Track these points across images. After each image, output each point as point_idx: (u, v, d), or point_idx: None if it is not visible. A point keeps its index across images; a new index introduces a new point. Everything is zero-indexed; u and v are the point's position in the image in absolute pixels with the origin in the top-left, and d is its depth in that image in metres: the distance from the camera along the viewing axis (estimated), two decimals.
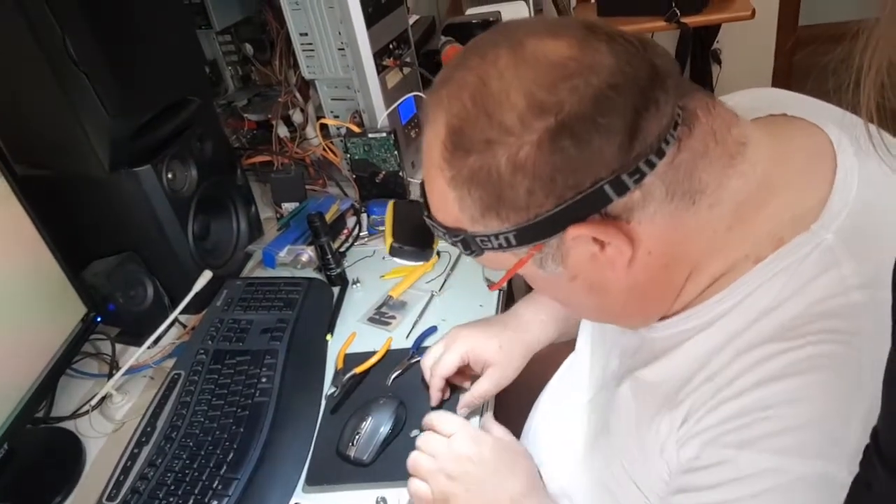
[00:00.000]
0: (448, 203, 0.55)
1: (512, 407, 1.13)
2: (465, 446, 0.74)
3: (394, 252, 0.73)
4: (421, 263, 0.75)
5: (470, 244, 0.56)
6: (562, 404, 0.94)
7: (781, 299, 0.52)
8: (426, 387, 0.89)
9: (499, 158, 0.50)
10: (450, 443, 0.75)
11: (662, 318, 0.61)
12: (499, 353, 0.87)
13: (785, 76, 2.85)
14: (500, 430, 0.82)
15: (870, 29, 0.33)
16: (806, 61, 2.62)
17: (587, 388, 0.80)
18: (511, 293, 1.55)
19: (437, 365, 0.87)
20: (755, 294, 0.53)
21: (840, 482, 0.45)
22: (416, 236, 0.71)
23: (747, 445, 0.49)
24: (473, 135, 0.51)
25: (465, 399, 0.87)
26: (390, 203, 0.75)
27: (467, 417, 0.85)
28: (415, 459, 0.76)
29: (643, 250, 0.53)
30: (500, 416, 1.00)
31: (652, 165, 0.49)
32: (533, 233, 0.52)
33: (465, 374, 0.90)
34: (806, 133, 0.58)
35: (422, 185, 0.60)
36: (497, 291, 1.06)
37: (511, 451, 0.77)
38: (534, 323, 0.91)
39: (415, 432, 0.84)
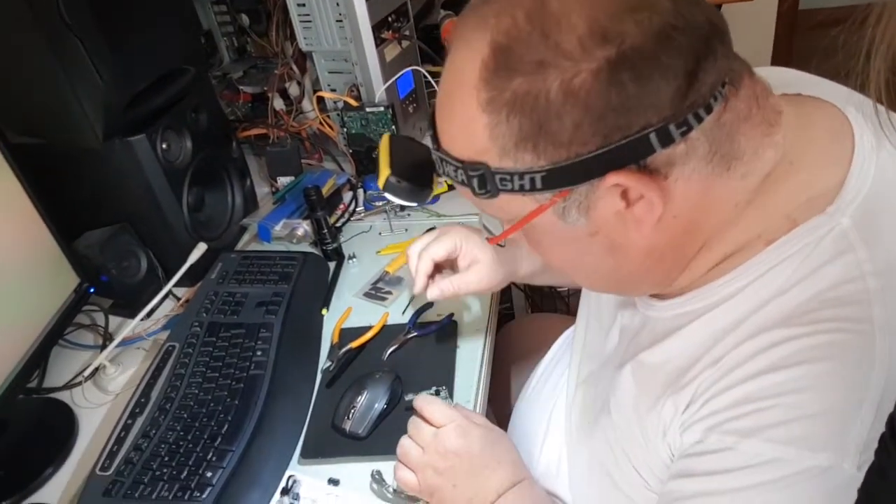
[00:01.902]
0: (475, 131, 0.50)
1: (504, 384, 1.14)
2: (452, 440, 0.72)
3: (388, 188, 0.66)
4: (415, 205, 0.69)
5: (486, 182, 0.51)
6: (557, 381, 0.94)
7: (792, 283, 0.50)
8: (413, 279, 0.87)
9: (550, 83, 0.46)
10: (438, 435, 0.73)
11: (666, 297, 0.60)
12: (488, 254, 0.86)
13: (785, 60, 2.83)
14: (482, 419, 0.79)
15: (883, 1, 0.32)
16: (806, 45, 2.60)
17: (584, 364, 0.79)
18: None
19: (426, 249, 0.86)
20: (765, 277, 0.52)
21: (845, 476, 0.44)
22: (414, 173, 0.67)
23: (752, 433, 0.48)
24: (524, 54, 0.47)
25: (443, 284, 0.85)
26: (385, 135, 0.70)
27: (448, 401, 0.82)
28: (404, 448, 0.75)
29: (670, 212, 0.51)
30: (494, 391, 1.00)
31: (699, 119, 0.47)
32: (566, 175, 0.48)
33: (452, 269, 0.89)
34: (825, 113, 0.56)
35: (431, 116, 0.56)
36: None
37: (497, 443, 0.76)
38: (520, 248, 0.89)
39: (409, 396, 0.83)
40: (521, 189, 0.50)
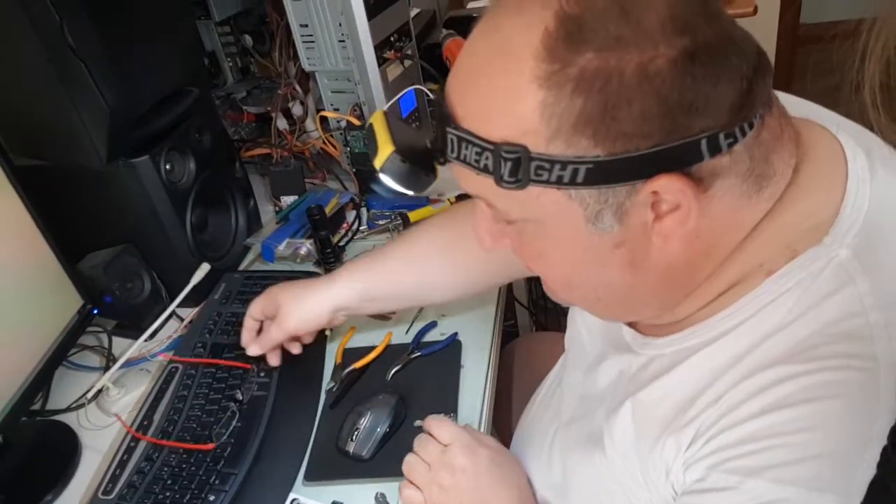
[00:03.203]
0: (521, 108, 0.45)
1: (509, 403, 1.13)
2: (460, 458, 0.71)
3: (387, 169, 0.57)
4: (410, 193, 0.60)
5: (519, 169, 0.46)
6: (559, 404, 0.93)
7: (793, 317, 0.48)
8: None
9: (627, 62, 0.42)
10: (445, 452, 0.72)
11: (664, 334, 0.58)
12: (291, 301, 0.87)
13: (786, 74, 2.84)
14: (491, 441, 0.79)
15: (878, 4, 0.32)
16: (807, 59, 2.61)
17: (573, 400, 0.77)
18: (511, 287, 1.55)
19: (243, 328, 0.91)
20: (765, 310, 0.50)
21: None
22: (416, 154, 0.57)
23: (756, 473, 0.47)
24: (600, 27, 0.43)
25: (260, 339, 0.88)
26: (379, 111, 0.60)
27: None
28: (410, 465, 0.74)
29: (695, 230, 0.48)
30: (498, 410, 1.00)
31: (744, 133, 0.45)
32: (615, 171, 0.45)
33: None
34: (822, 137, 0.54)
35: (444, 94, 0.51)
36: (497, 288, 1.05)
37: (504, 465, 0.75)
38: (337, 278, 0.89)
39: (418, 423, 0.83)
40: (559, 181, 0.46)
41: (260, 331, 0.91)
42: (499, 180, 0.48)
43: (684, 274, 0.53)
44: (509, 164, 0.46)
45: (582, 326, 0.76)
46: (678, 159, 0.45)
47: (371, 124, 0.59)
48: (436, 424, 0.75)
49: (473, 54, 0.49)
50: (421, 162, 0.58)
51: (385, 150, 0.57)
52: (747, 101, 0.45)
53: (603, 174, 0.45)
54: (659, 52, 0.43)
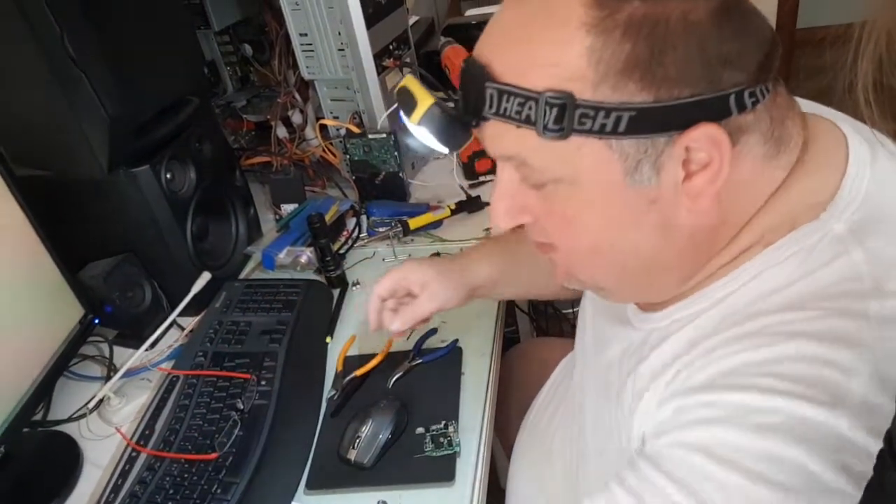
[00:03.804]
0: (568, 55, 0.46)
1: (510, 409, 1.13)
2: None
3: (427, 120, 0.56)
4: (445, 151, 0.59)
5: (564, 117, 0.47)
6: (556, 408, 0.93)
7: (788, 283, 0.50)
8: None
9: (671, 10, 0.45)
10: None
11: (661, 308, 0.59)
12: (431, 272, 0.86)
13: (783, 78, 2.85)
14: None
15: (870, 1, 0.33)
16: (804, 63, 2.62)
17: (580, 390, 0.78)
18: None
19: (375, 286, 0.87)
20: (761, 277, 0.52)
21: (840, 434, 0.43)
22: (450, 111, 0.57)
23: (740, 389, 0.47)
24: None
25: (401, 314, 0.86)
26: (409, 74, 0.60)
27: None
28: None
29: (722, 192, 0.50)
30: (500, 416, 1.00)
31: (764, 94, 0.49)
32: (658, 119, 0.46)
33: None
34: (827, 125, 0.57)
35: (475, 56, 0.52)
36: None
37: None
38: (475, 258, 0.89)
39: (419, 430, 0.84)
40: (601, 130, 0.47)
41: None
42: (542, 130, 0.48)
43: (706, 241, 0.54)
44: (554, 111, 0.47)
45: (588, 318, 0.77)
46: (713, 111, 0.47)
47: (405, 85, 0.59)
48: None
49: (513, 9, 0.51)
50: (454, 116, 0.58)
51: (425, 101, 0.57)
52: (769, 62, 0.49)
53: (644, 123, 0.47)
54: (699, 4, 0.46)
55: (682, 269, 0.56)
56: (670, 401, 0.51)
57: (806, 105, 0.60)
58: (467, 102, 0.52)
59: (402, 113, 0.60)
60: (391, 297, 0.88)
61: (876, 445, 0.42)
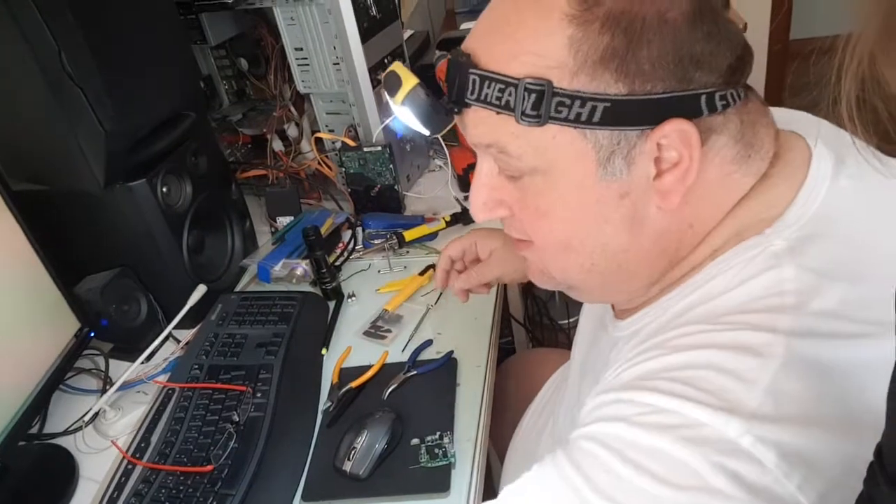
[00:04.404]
0: (549, 44, 0.49)
1: (506, 420, 1.13)
2: None
3: (411, 100, 0.59)
4: (427, 133, 0.61)
5: (541, 104, 0.49)
6: (546, 420, 0.94)
7: (717, 294, 0.52)
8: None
9: (647, 9, 0.48)
10: None
11: (626, 317, 0.61)
12: (504, 247, 0.90)
13: (777, 89, 2.87)
14: None
15: (853, 19, 0.33)
16: (797, 74, 2.64)
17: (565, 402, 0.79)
18: (506, 302, 1.55)
19: (445, 247, 0.93)
20: (702, 289, 0.54)
21: (730, 440, 0.44)
22: (436, 94, 0.59)
23: (648, 391, 0.49)
24: None
25: (465, 276, 0.90)
26: (397, 61, 0.63)
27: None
28: None
29: (690, 193, 0.52)
30: (496, 427, 1.00)
31: (736, 99, 0.51)
32: (632, 112, 0.49)
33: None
34: (797, 142, 0.58)
35: (462, 47, 0.54)
36: (493, 304, 1.06)
37: None
38: None
39: (415, 441, 0.84)
40: (577, 120, 0.49)
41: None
42: (520, 116, 0.51)
43: (672, 244, 0.56)
44: (532, 97, 0.50)
45: (586, 329, 0.78)
46: (683, 109, 0.49)
47: (392, 69, 0.61)
48: None
49: (500, 4, 0.53)
50: (437, 102, 0.60)
51: (409, 82, 0.59)
52: (738, 69, 0.51)
53: (618, 114, 0.49)
54: (674, 5, 0.48)
55: (648, 272, 0.58)
56: (594, 397, 0.54)
57: (786, 114, 0.62)
58: (451, 89, 0.55)
59: (387, 95, 0.62)
60: (459, 259, 0.94)
61: (768, 457, 0.44)
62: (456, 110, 0.55)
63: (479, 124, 0.55)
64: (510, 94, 0.50)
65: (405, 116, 0.61)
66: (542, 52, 0.49)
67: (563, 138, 0.51)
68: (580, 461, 0.50)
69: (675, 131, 0.49)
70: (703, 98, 0.49)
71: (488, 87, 0.51)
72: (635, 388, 0.50)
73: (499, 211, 0.60)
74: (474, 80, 0.52)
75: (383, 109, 1.29)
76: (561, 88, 0.49)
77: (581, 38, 0.48)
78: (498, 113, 0.52)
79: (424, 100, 0.58)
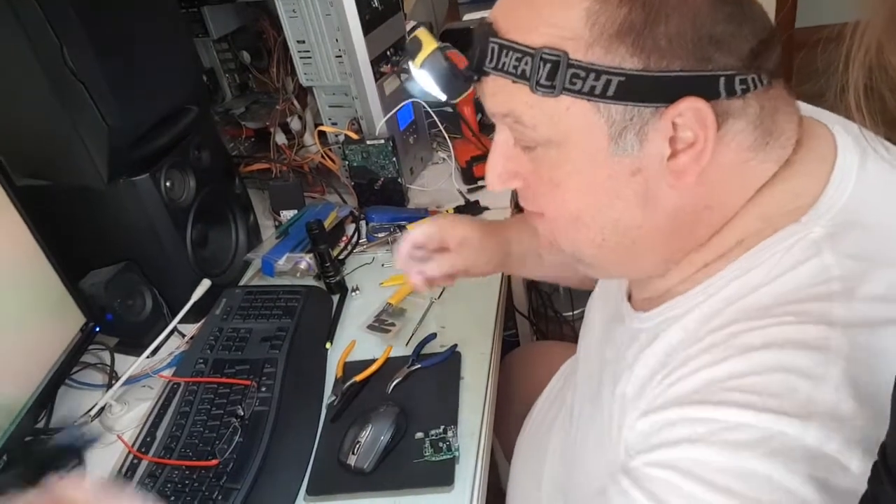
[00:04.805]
0: (568, 15, 0.49)
1: (511, 413, 1.13)
2: None
3: (429, 65, 0.60)
4: (443, 98, 0.63)
5: (556, 74, 0.50)
6: (556, 413, 0.93)
7: (760, 285, 0.51)
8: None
9: None
10: None
11: (651, 308, 0.60)
12: (476, 231, 0.86)
13: (783, 78, 2.85)
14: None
15: (860, 8, 0.33)
16: (803, 63, 2.63)
17: (580, 402, 0.78)
18: (510, 295, 1.55)
19: (408, 233, 0.87)
20: (738, 281, 0.52)
21: (811, 446, 0.43)
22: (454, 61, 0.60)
23: (717, 404, 0.47)
24: None
25: (426, 267, 0.84)
26: (422, 27, 0.64)
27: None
28: None
29: (705, 175, 0.52)
30: (500, 421, 1.00)
31: (756, 85, 0.50)
32: (646, 88, 0.49)
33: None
34: (822, 130, 0.57)
35: (489, 16, 0.54)
36: (496, 297, 1.06)
37: None
38: (513, 227, 0.89)
39: (419, 435, 0.84)
40: (591, 92, 0.49)
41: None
42: (534, 86, 0.51)
43: (687, 224, 0.55)
44: (548, 66, 0.50)
45: (595, 319, 0.77)
46: (701, 89, 0.49)
47: (415, 34, 0.62)
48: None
49: None
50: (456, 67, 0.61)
51: (430, 46, 0.60)
52: (762, 54, 0.50)
53: (632, 89, 0.49)
54: None
55: (662, 250, 0.57)
56: (650, 414, 0.52)
57: (807, 109, 0.61)
58: (472, 57, 0.55)
59: (409, 62, 0.63)
60: (424, 245, 0.87)
61: (850, 456, 0.42)
62: (475, 77, 0.56)
63: (496, 93, 0.55)
64: (526, 64, 0.51)
65: (424, 81, 0.63)
66: (559, 23, 0.50)
67: (577, 110, 0.51)
68: (655, 492, 0.48)
69: (691, 110, 0.49)
70: (722, 80, 0.49)
71: (506, 55, 0.52)
72: (700, 402, 0.48)
73: (513, 182, 0.60)
74: (493, 49, 0.53)
75: (386, 102, 1.29)
76: (576, 60, 0.49)
77: (598, 10, 0.48)
78: (514, 82, 0.52)
79: (443, 64, 0.59)
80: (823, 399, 0.44)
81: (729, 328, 0.50)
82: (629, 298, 0.67)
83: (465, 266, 0.86)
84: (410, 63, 0.62)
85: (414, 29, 0.62)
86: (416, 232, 0.86)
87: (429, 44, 0.60)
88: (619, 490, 0.51)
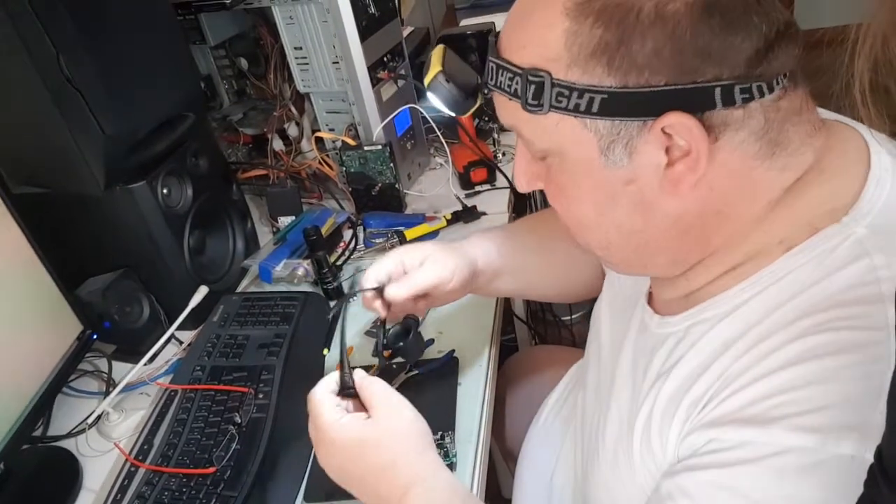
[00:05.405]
0: (549, 37, 0.51)
1: (510, 418, 1.13)
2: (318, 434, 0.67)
3: (434, 86, 0.65)
4: (451, 114, 0.68)
5: (542, 93, 0.51)
6: (568, 415, 0.93)
7: (806, 286, 0.50)
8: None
9: (644, 1, 0.48)
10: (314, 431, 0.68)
11: (679, 311, 0.59)
12: (436, 251, 0.81)
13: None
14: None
15: (866, 2, 0.33)
16: (801, 64, 2.63)
17: (594, 400, 0.77)
18: (508, 301, 1.55)
19: (369, 268, 0.81)
20: (782, 282, 0.52)
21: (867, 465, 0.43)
22: (462, 80, 0.66)
23: (772, 423, 0.47)
24: None
25: (390, 290, 0.78)
26: (440, 46, 0.69)
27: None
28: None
29: (708, 181, 0.52)
30: (498, 425, 1.00)
31: (762, 93, 0.49)
32: (627, 103, 0.49)
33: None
34: (851, 133, 0.57)
35: (492, 31, 0.57)
36: (494, 302, 1.06)
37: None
38: (476, 244, 0.85)
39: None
40: (576, 109, 0.51)
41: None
42: (524, 104, 0.53)
43: (696, 228, 0.55)
44: (533, 87, 0.52)
45: (604, 321, 0.77)
46: (690, 102, 0.49)
47: (431, 54, 0.67)
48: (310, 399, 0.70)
49: None
50: (463, 87, 0.66)
51: (434, 69, 0.65)
52: (765, 60, 0.49)
53: (615, 106, 0.50)
54: None
55: (672, 253, 0.58)
56: (701, 431, 0.52)
57: (829, 115, 0.60)
58: (482, 73, 0.58)
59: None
60: (390, 276, 0.80)
61: None
62: (486, 92, 0.59)
63: (501, 108, 0.58)
64: (517, 83, 0.53)
65: (433, 98, 0.68)
66: (544, 43, 0.51)
67: (566, 126, 0.53)
68: None
69: (677, 123, 0.49)
70: (718, 91, 0.48)
71: (502, 74, 0.54)
72: (751, 422, 0.48)
73: (537, 184, 0.62)
74: (492, 67, 0.55)
75: (383, 108, 1.29)
76: (558, 80, 0.51)
77: (576, 31, 0.49)
78: (510, 99, 0.54)
79: (445, 86, 0.63)
80: (879, 413, 0.43)
81: (778, 337, 0.50)
82: (649, 301, 0.67)
83: (427, 283, 0.78)
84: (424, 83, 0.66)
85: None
86: (375, 268, 0.80)
87: (434, 67, 0.63)
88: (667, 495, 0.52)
